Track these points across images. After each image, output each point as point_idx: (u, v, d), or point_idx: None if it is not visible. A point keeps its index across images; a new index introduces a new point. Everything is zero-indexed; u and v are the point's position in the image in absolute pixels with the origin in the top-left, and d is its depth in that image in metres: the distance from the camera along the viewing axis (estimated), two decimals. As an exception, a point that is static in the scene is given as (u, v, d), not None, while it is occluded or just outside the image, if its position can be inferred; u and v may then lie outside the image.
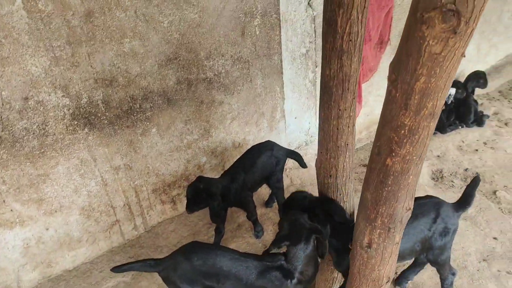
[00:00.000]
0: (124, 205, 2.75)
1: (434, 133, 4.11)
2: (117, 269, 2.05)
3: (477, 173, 3.48)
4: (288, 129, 3.47)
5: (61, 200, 2.46)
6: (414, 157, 1.26)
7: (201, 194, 2.36)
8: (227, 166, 3.17)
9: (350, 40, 1.68)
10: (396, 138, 1.23)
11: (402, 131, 1.21)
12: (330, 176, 2.02)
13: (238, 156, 2.94)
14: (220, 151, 3.09)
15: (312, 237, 1.88)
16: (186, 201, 2.42)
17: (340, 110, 1.83)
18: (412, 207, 1.41)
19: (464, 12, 0.96)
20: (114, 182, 2.63)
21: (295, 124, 3.52)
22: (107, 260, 2.76)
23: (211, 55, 2.69)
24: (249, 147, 3.17)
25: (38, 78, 2.11)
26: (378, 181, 1.35)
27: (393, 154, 1.26)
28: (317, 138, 3.73)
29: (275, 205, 3.16)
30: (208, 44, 2.64)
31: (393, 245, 1.50)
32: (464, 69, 4.54)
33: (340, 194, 2.05)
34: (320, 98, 1.92)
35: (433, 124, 1.19)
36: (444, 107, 4.26)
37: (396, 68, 1.16)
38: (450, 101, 4.21)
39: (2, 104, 2.06)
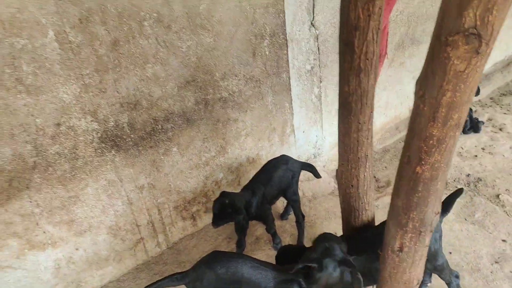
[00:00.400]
0: (148, 223, 2.83)
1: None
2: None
3: (473, 182, 3.60)
4: (297, 143, 3.60)
5: (90, 220, 2.54)
6: (442, 165, 1.39)
7: (227, 209, 2.46)
8: (243, 181, 3.28)
9: (367, 59, 1.83)
10: (425, 147, 1.36)
11: (431, 141, 1.34)
12: (352, 186, 2.14)
13: (253, 171, 3.06)
14: (236, 167, 3.20)
15: (341, 268, 1.92)
16: (212, 216, 2.51)
17: (359, 123, 1.97)
18: (440, 211, 1.54)
19: (485, 35, 1.11)
20: (139, 201, 2.72)
21: (304, 138, 3.65)
22: (133, 278, 2.82)
23: (226, 76, 2.83)
24: (262, 162, 3.30)
25: (69, 105, 2.22)
26: (408, 188, 1.48)
27: (423, 162, 1.39)
28: (324, 151, 3.89)
29: (290, 217, 3.27)
30: (223, 65, 2.78)
31: (423, 248, 1.62)
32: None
33: (362, 203, 2.17)
34: (339, 114, 2.05)
35: (458, 134, 1.33)
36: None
37: (423, 85, 1.30)
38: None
39: (37, 131, 2.16)
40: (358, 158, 2.05)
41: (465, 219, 3.31)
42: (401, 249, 1.65)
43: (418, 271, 1.72)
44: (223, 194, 2.55)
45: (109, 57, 2.26)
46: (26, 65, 2.02)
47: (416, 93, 1.34)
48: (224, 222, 2.54)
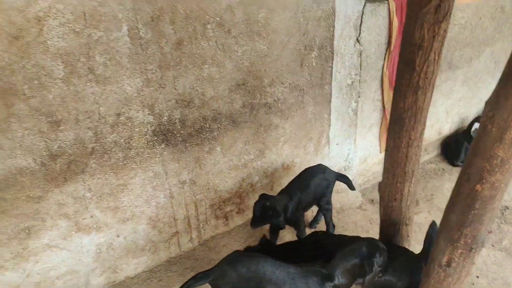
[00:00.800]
0: (184, 217, 2.92)
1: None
2: None
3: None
4: (330, 154, 3.67)
5: (134, 209, 2.64)
6: (502, 184, 1.45)
7: (268, 211, 2.54)
8: (275, 186, 3.36)
9: (426, 78, 1.91)
10: (488, 167, 1.42)
11: (495, 161, 1.40)
12: (395, 200, 2.20)
13: (286, 177, 3.14)
14: (271, 172, 3.28)
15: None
16: (252, 217, 2.59)
17: (411, 139, 2.04)
18: (492, 230, 1.59)
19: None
20: (179, 196, 2.81)
21: (337, 150, 3.72)
22: (165, 270, 2.90)
23: (273, 83, 2.93)
24: (296, 169, 3.38)
25: (131, 97, 2.34)
26: (465, 204, 1.54)
27: (483, 181, 1.45)
28: (354, 164, 3.95)
29: (318, 226, 3.33)
30: (272, 72, 2.88)
31: (471, 265, 1.67)
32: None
33: (403, 217, 2.23)
34: (390, 128, 2.13)
35: (523, 156, 1.39)
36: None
37: (493, 107, 1.37)
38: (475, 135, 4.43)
39: (99, 119, 2.28)
40: (405, 173, 2.11)
41: (493, 245, 3.33)
42: (448, 264, 1.70)
43: (461, 287, 1.77)
44: (264, 196, 2.63)
45: (172, 55, 2.38)
46: (99, 56, 2.14)
47: (485, 114, 1.40)
48: (263, 223, 2.61)
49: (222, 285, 2.15)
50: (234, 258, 2.20)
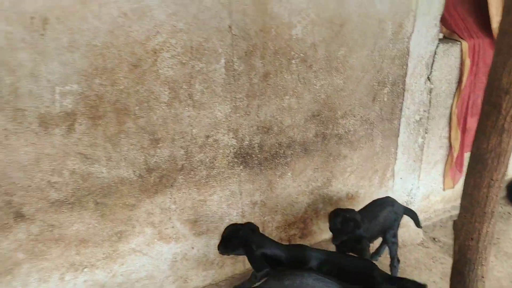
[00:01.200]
0: (252, 237, 3.08)
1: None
2: None
3: None
4: (394, 187, 3.70)
5: (209, 224, 2.84)
6: None
7: (349, 222, 2.61)
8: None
9: None
10: None
11: None
12: (472, 239, 2.21)
13: (349, 207, 3.19)
14: (335, 200, 3.37)
15: None
16: (333, 233, 2.70)
17: (492, 180, 2.07)
18: None
19: None
20: (250, 215, 2.98)
21: (400, 184, 3.74)
22: (229, 285, 3.05)
23: (346, 115, 3.07)
24: (359, 200, 3.44)
25: (219, 121, 2.58)
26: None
27: None
28: (416, 200, 3.93)
29: (380, 259, 3.33)
30: (345, 105, 3.03)
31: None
32: None
33: (479, 257, 2.23)
34: (469, 167, 2.17)
35: None
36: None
37: None
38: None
39: (191, 139, 2.53)
40: (484, 213, 2.13)
41: None
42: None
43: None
44: (341, 210, 2.73)
45: (259, 86, 2.61)
46: (198, 84, 2.42)
47: None
48: (344, 237, 2.67)
49: None
50: (279, 272, 2.35)
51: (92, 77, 2.11)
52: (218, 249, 2.59)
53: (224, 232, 2.61)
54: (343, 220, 2.64)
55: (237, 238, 2.52)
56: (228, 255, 2.67)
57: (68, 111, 2.13)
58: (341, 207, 2.82)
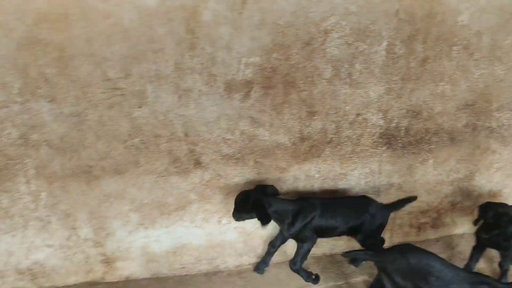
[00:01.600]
0: (384, 217, 3.18)
1: None
2: (347, 254, 2.59)
3: None
4: (544, 192, 3.40)
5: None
6: None
7: (502, 217, 2.59)
8: (476, 211, 3.31)
9: None
10: None
11: None
12: None
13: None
14: (475, 196, 3.26)
15: None
16: (481, 225, 2.71)
17: None
18: None
19: None
20: (385, 196, 3.09)
21: (553, 190, 3.41)
22: (330, 262, 3.17)
23: (501, 108, 2.94)
24: (501, 199, 3.26)
25: (371, 101, 2.73)
26: None
27: None
28: None
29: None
30: (503, 97, 2.90)
31: None
32: None
33: None
34: None
35: None
36: None
37: None
38: None
39: (343, 115, 2.74)
40: None
41: None
42: None
43: None
44: (494, 203, 2.73)
45: (416, 70, 2.67)
46: (358, 64, 2.59)
47: None
48: (496, 231, 2.62)
49: (389, 269, 2.37)
50: (407, 248, 2.42)
51: (271, 52, 2.45)
52: (233, 216, 2.67)
53: (236, 199, 2.66)
54: (496, 215, 2.59)
55: (248, 203, 2.61)
56: (244, 220, 2.71)
57: (248, 79, 2.50)
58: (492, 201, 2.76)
